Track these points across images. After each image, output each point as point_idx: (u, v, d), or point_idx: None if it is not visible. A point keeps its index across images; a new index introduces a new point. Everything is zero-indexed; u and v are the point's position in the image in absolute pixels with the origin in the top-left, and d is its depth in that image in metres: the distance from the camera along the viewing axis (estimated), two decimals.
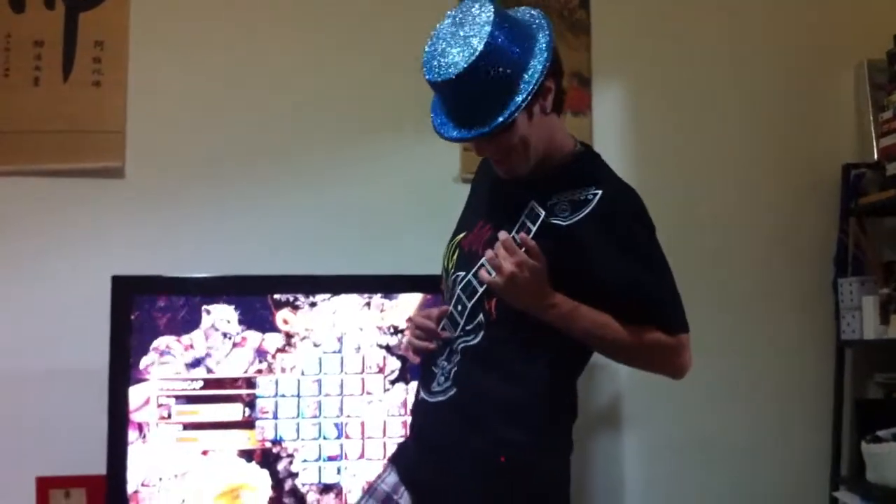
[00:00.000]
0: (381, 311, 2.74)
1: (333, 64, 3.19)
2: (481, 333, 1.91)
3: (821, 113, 3.47)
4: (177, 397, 2.62)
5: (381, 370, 2.71)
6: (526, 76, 1.83)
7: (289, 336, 2.69)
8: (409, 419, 2.13)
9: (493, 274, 1.85)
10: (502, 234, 1.85)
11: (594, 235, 1.86)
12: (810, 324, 3.34)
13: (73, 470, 2.80)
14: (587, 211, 1.86)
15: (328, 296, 2.72)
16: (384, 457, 2.67)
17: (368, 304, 2.74)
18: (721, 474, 3.20)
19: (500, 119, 1.82)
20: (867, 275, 3.26)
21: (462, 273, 1.96)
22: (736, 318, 3.28)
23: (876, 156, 3.34)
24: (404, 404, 2.70)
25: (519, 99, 1.82)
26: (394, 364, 2.72)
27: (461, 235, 2.06)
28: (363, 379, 2.71)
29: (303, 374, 2.68)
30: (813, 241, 3.37)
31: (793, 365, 3.31)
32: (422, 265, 2.96)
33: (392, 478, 2.04)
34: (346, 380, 2.70)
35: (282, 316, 2.69)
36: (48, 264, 2.98)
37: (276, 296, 2.69)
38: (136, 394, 2.60)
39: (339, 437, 2.67)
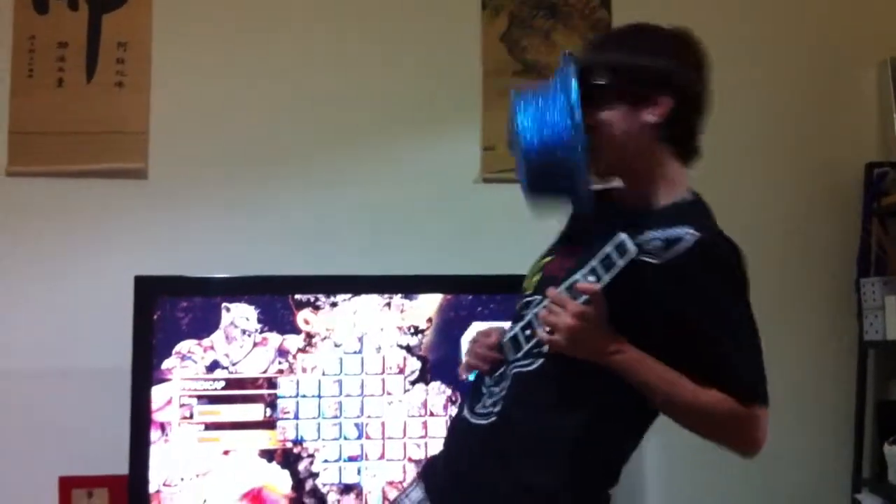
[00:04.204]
0: (402, 311, 2.75)
1: (354, 64, 3.20)
2: (540, 361, 1.80)
3: (843, 112, 3.45)
4: (199, 397, 2.64)
5: (401, 371, 2.72)
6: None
7: (310, 336, 2.70)
8: (446, 431, 2.05)
9: (554, 335, 1.74)
10: (551, 291, 1.74)
11: (684, 280, 1.73)
12: (832, 324, 3.32)
13: (95, 470, 2.82)
14: (680, 251, 1.73)
15: (349, 296, 2.73)
16: (404, 457, 2.68)
17: (389, 304, 2.74)
18: (741, 476, 3.18)
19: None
20: (890, 275, 3.24)
21: (539, 297, 1.85)
22: (757, 319, 3.26)
23: None
24: (424, 405, 2.71)
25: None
26: (414, 364, 2.72)
27: (548, 258, 1.96)
28: (383, 379, 2.71)
29: (324, 374, 2.69)
30: (835, 241, 3.35)
31: (814, 366, 3.29)
32: (442, 265, 2.97)
33: (417, 493, 1.96)
34: (366, 380, 2.71)
35: (303, 316, 2.71)
36: (71, 264, 3.01)
37: (298, 296, 2.70)
38: (158, 394, 2.62)
39: (359, 437, 2.68)
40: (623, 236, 1.68)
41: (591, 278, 1.70)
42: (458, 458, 1.90)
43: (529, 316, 1.83)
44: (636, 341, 1.74)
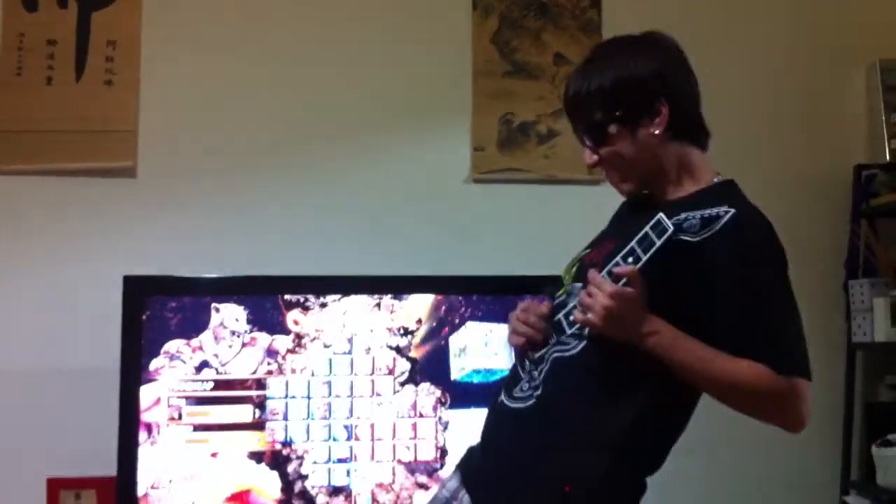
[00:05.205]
0: (392, 312, 2.74)
1: (345, 64, 3.19)
2: (581, 346, 1.80)
3: (832, 113, 3.46)
4: (187, 398, 2.63)
5: (390, 372, 2.71)
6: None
7: (299, 337, 2.69)
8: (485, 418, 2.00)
9: (588, 315, 1.75)
10: (591, 274, 1.77)
11: (722, 255, 1.75)
12: (821, 326, 3.30)
13: (83, 471, 2.81)
14: (717, 227, 1.76)
15: (338, 297, 2.72)
16: (394, 459, 2.68)
17: (378, 305, 2.74)
18: (730, 477, 3.20)
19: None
20: (878, 277, 3.25)
21: (580, 285, 1.86)
22: None
23: (888, 157, 3.34)
24: (414, 406, 2.70)
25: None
26: (404, 366, 2.72)
27: (586, 251, 1.98)
28: (373, 380, 2.71)
29: (313, 375, 2.68)
30: (824, 243, 3.36)
31: None
32: (432, 266, 2.98)
33: (453, 482, 1.95)
34: (355, 381, 2.70)
35: (292, 317, 2.70)
36: (60, 263, 3.00)
37: (287, 296, 2.69)
38: (146, 394, 2.61)
39: (348, 438, 2.68)
40: (660, 215, 1.73)
41: (630, 259, 1.74)
42: (495, 441, 1.90)
43: (572, 302, 1.84)
44: (674, 320, 1.76)
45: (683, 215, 1.78)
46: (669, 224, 1.72)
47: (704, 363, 1.75)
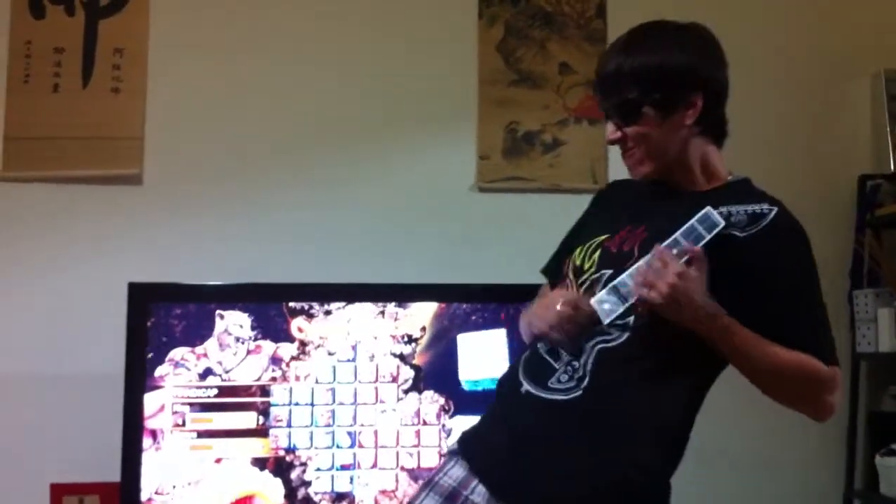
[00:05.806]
0: (396, 319, 2.74)
1: (352, 71, 3.20)
2: (625, 335, 1.78)
3: (836, 123, 3.46)
4: (191, 405, 2.64)
5: (394, 379, 2.72)
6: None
7: (303, 344, 2.70)
8: (495, 408, 1.95)
9: (649, 291, 1.72)
10: (657, 248, 1.75)
11: (768, 250, 1.79)
12: None
13: (87, 477, 2.82)
14: (764, 224, 1.80)
15: (343, 304, 2.72)
16: (397, 466, 2.68)
17: (383, 312, 2.74)
18: (734, 487, 3.19)
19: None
20: (883, 287, 3.25)
21: (610, 271, 1.83)
22: None
23: (892, 167, 3.34)
24: (417, 414, 2.70)
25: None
26: (407, 373, 2.72)
27: (605, 237, 1.92)
28: (377, 388, 2.71)
29: (317, 382, 2.69)
30: (828, 253, 3.30)
31: None
32: (437, 274, 2.98)
33: (458, 471, 1.86)
34: (359, 389, 2.70)
35: (296, 324, 2.70)
36: (65, 270, 3.01)
37: (291, 304, 2.70)
38: (150, 401, 2.62)
39: (352, 446, 2.68)
40: (709, 209, 1.75)
41: (674, 250, 1.74)
42: (530, 433, 1.82)
43: (601, 290, 1.80)
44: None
45: (725, 209, 1.80)
46: (720, 219, 1.75)
47: (763, 350, 1.77)
